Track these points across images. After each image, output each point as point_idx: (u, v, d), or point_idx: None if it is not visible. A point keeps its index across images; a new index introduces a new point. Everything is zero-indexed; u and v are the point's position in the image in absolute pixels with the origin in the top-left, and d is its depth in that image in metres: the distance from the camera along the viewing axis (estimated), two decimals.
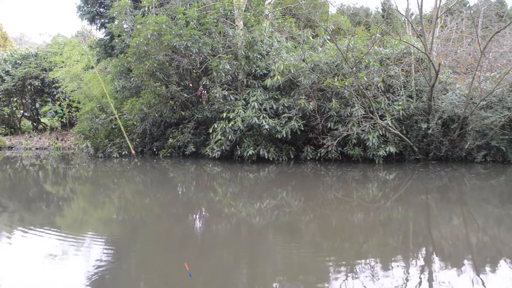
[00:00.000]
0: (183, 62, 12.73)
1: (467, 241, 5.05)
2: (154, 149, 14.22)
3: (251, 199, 7.63)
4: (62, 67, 18.31)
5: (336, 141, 10.65)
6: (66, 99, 19.26)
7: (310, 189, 8.40)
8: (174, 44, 12.26)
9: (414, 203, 7.11)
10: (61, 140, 19.63)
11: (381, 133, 10.39)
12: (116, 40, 14.96)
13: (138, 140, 14.39)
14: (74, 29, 62.60)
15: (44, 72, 19.79)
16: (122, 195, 8.60)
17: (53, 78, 18.60)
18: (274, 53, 12.40)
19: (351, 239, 5.22)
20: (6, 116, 21.94)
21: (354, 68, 10.56)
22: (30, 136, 20.67)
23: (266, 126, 10.89)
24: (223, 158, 12.01)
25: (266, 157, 11.19)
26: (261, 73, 12.22)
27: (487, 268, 4.09)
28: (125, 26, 15.02)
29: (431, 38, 11.43)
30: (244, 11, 13.00)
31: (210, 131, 11.87)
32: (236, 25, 12.86)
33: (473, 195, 7.74)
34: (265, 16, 13.48)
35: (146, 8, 14.94)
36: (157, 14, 13.73)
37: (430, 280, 3.84)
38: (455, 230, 5.54)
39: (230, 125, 11.13)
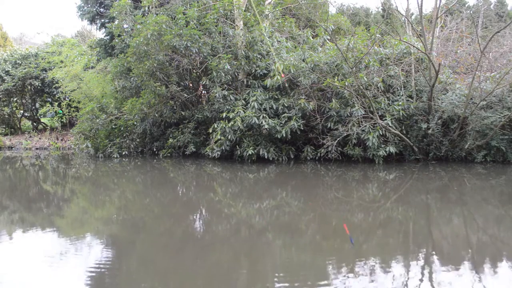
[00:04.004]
0: (183, 62, 12.73)
1: (467, 241, 5.05)
2: (154, 149, 14.23)
3: (251, 199, 7.63)
4: (61, 67, 18.35)
5: (336, 141, 10.65)
6: (66, 99, 19.28)
7: (310, 189, 8.40)
8: (174, 44, 12.26)
9: (414, 203, 7.11)
10: (61, 140, 19.64)
11: (381, 133, 10.39)
12: (116, 40, 14.96)
13: (138, 140, 14.40)
14: (74, 29, 62.59)
15: (44, 72, 19.82)
16: (122, 195, 8.60)
17: (53, 78, 18.63)
18: (274, 53, 12.40)
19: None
20: (6, 116, 21.97)
21: (354, 68, 10.56)
22: (30, 136, 20.68)
23: (266, 126, 10.89)
24: (223, 158, 12.01)
25: (266, 157, 11.20)
26: (261, 73, 12.22)
27: (487, 268, 4.09)
28: (125, 26, 15.03)
29: (431, 38, 11.42)
30: (244, 11, 13.01)
31: (210, 131, 11.88)
32: (236, 25, 12.86)
33: (473, 195, 7.74)
34: (265, 16, 13.48)
35: (146, 8, 14.95)
36: (157, 14, 13.73)
37: (430, 280, 3.84)
38: (455, 230, 5.53)
39: (230, 125, 11.13)
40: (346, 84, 10.50)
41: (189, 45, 12.25)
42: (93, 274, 4.06)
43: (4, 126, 22.10)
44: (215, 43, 12.63)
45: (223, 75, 11.97)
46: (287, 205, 7.03)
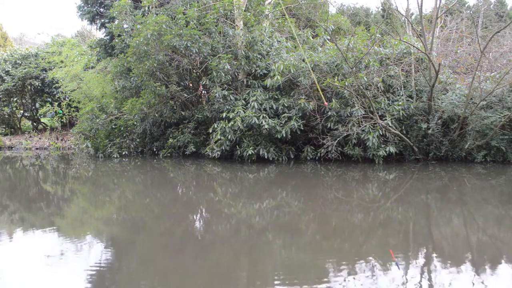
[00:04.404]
0: (183, 62, 12.73)
1: (467, 241, 5.05)
2: (154, 149, 14.23)
3: (251, 199, 7.63)
4: (61, 67, 18.36)
5: (336, 141, 10.65)
6: (66, 99, 19.28)
7: (310, 189, 8.40)
8: (174, 44, 12.26)
9: (414, 203, 7.11)
10: (61, 140, 19.64)
11: (381, 133, 10.39)
12: (116, 40, 14.97)
13: (138, 140, 14.40)
14: (74, 29, 62.57)
15: (44, 72, 19.82)
16: (122, 195, 8.60)
17: (53, 78, 18.64)
18: (274, 53, 12.40)
19: (351, 239, 5.22)
20: (6, 116, 21.97)
21: (354, 68, 10.56)
22: (30, 136, 20.69)
23: (266, 126, 10.89)
24: (223, 158, 12.01)
25: (266, 157, 11.20)
26: (261, 73, 12.22)
27: (487, 268, 4.09)
28: (125, 26, 15.03)
29: (431, 38, 11.42)
30: (244, 11, 13.01)
31: (210, 131, 11.88)
32: (236, 25, 12.87)
33: (473, 195, 7.74)
34: (265, 16, 13.49)
35: (146, 8, 14.95)
36: (157, 14, 13.73)
37: (430, 280, 3.84)
38: (455, 230, 5.53)
39: (230, 125, 11.13)
40: (346, 84, 10.50)
41: (189, 45, 12.25)
42: (93, 274, 4.06)
43: (4, 126, 22.10)
44: (215, 43, 12.63)
45: (223, 75, 11.97)
46: (287, 205, 7.03)
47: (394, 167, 10.27)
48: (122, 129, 14.70)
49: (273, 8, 14.05)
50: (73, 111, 19.86)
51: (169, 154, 13.42)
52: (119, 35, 14.83)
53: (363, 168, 10.22)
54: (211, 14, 12.82)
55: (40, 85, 20.23)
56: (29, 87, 20.62)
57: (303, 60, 11.52)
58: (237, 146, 11.65)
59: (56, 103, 20.93)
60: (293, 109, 11.21)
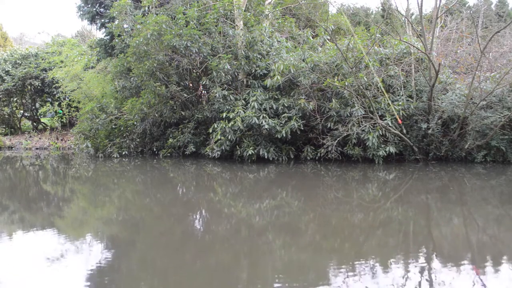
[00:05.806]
0: (183, 62, 12.73)
1: (467, 241, 5.05)
2: (154, 149, 14.23)
3: (251, 199, 7.63)
4: (61, 67, 18.36)
5: (336, 141, 10.65)
6: (66, 99, 19.29)
7: (310, 189, 8.39)
8: (174, 44, 12.26)
9: (414, 203, 7.10)
10: (61, 140, 19.64)
11: (381, 133, 10.39)
12: (116, 40, 14.96)
13: (138, 140, 14.40)
14: (74, 29, 62.65)
15: (44, 72, 19.82)
16: (122, 195, 8.60)
17: (53, 78, 18.64)
18: (274, 53, 12.40)
19: (351, 239, 5.22)
20: (6, 116, 21.96)
21: (354, 68, 10.56)
22: (30, 136, 20.68)
23: (266, 126, 10.89)
24: (223, 158, 12.01)
25: (266, 157, 11.20)
26: (261, 73, 12.22)
27: (487, 268, 4.09)
28: (125, 26, 15.03)
29: (431, 38, 11.42)
30: (244, 11, 13.01)
31: (210, 131, 11.88)
32: (236, 25, 12.87)
33: (473, 195, 7.74)
34: (265, 16, 13.49)
35: (146, 8, 14.95)
36: (157, 14, 13.73)
37: (430, 280, 3.84)
38: (455, 230, 5.53)
39: (230, 125, 11.13)
40: (346, 84, 10.50)
41: (189, 45, 12.25)
42: (93, 274, 4.06)
43: (4, 126, 22.09)
44: (215, 43, 12.63)
45: (223, 75, 11.97)
46: (287, 205, 7.03)
47: (394, 167, 10.27)
48: (122, 129, 14.70)
49: (273, 8, 14.05)
50: (73, 111, 19.86)
51: (169, 154, 13.42)
52: (119, 35, 14.83)
53: (363, 168, 10.22)
54: (211, 14, 12.81)
55: (40, 85, 20.23)
56: (29, 87, 20.62)
57: (303, 60, 11.53)
58: (237, 146, 11.65)
59: (56, 103, 20.92)
60: (293, 109, 11.21)
